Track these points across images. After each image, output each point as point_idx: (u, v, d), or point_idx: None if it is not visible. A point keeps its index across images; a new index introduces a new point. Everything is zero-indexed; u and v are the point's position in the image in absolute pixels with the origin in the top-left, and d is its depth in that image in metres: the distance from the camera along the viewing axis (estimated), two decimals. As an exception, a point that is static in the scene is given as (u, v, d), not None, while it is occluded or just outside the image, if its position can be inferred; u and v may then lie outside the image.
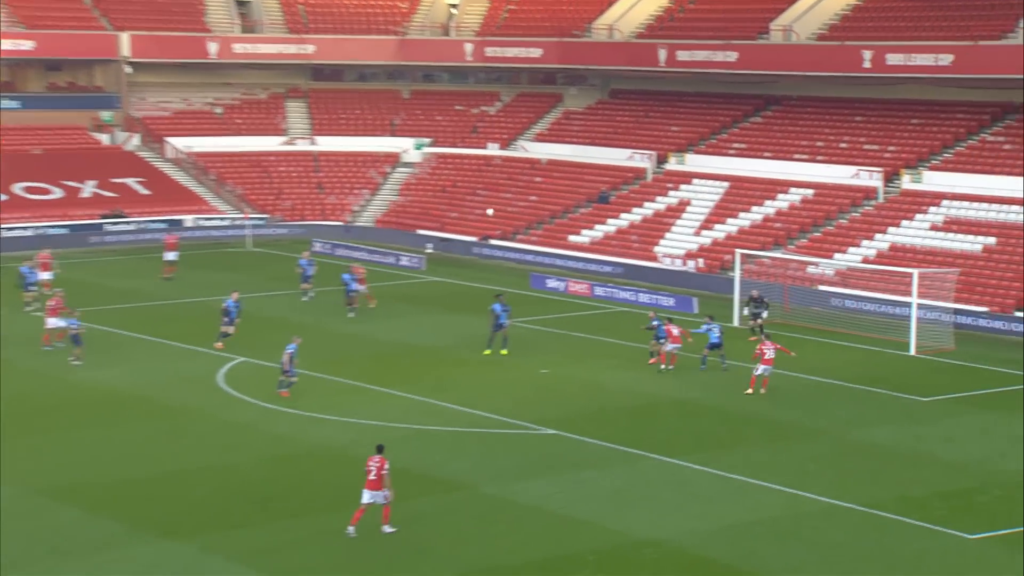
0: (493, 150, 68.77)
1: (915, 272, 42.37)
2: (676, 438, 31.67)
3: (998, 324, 43.72)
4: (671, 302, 48.31)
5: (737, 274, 47.27)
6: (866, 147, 56.73)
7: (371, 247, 60.39)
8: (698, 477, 28.69)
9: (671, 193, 59.20)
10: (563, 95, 71.53)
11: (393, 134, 71.72)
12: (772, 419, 33.33)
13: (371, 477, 24.85)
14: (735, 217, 55.84)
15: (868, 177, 54.55)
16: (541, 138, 68.81)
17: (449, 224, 63.24)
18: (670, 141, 63.23)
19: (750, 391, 35.17)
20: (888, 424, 32.80)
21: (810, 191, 55.47)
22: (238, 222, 63.65)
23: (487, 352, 39.51)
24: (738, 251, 48.07)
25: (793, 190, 55.92)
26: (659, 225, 57.63)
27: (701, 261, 53.61)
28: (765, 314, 42.79)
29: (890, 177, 54.35)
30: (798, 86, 61.34)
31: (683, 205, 58.15)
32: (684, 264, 53.82)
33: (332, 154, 70.52)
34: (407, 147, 70.57)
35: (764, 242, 53.36)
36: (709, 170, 59.36)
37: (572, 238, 58.82)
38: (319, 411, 33.58)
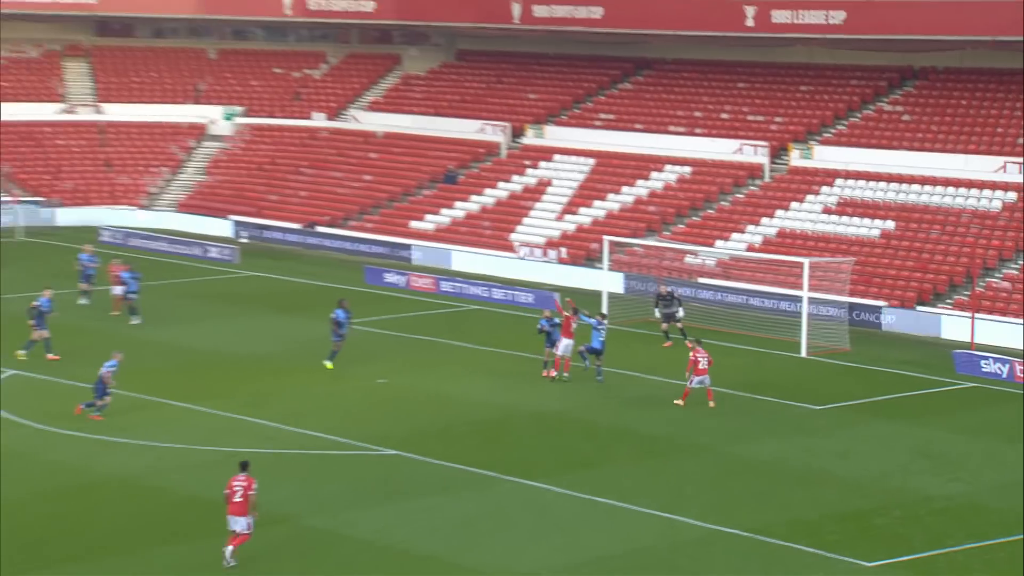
0: (319, 121, 68.30)
1: (806, 261, 43.41)
2: (535, 457, 31.83)
3: (898, 320, 45.09)
4: (530, 299, 48.63)
5: (605, 265, 47.80)
6: (750, 118, 57.97)
7: (172, 237, 59.37)
8: (560, 502, 28.88)
9: (529, 172, 59.60)
10: (401, 57, 71.43)
11: (197, 101, 70.63)
12: (645, 434, 33.77)
13: (236, 500, 24.98)
14: (602, 199, 56.49)
15: (752, 152, 55.75)
16: (376, 107, 68.57)
17: (267, 209, 62.61)
18: (527, 111, 63.63)
19: (681, 402, 35.64)
20: (776, 437, 33.50)
21: (687, 169, 56.45)
22: (6, 206, 61.86)
23: (329, 365, 39.05)
24: (606, 239, 48.56)
25: (668, 168, 56.84)
26: (515, 209, 57.96)
27: (564, 251, 54.09)
28: (681, 312, 42.96)
29: (777, 152, 55.64)
30: (673, 47, 62.32)
31: (543, 186, 58.59)
32: (545, 255, 54.23)
33: (122, 125, 69.10)
34: (215, 117, 69.58)
35: (636, 228, 54.09)
36: (572, 145, 59.92)
37: (414, 224, 58.77)
38: (109, 433, 32.87)
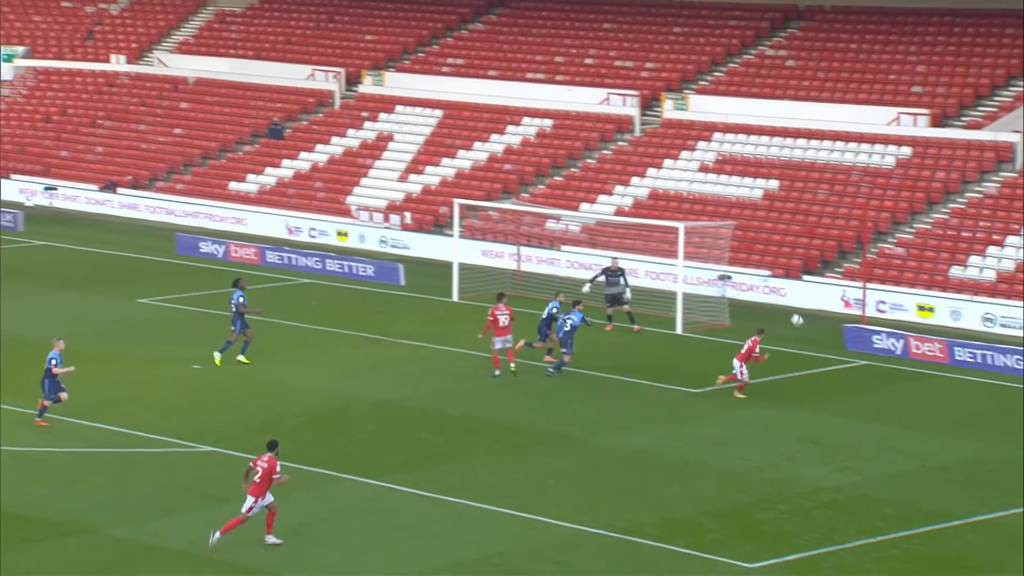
0: (118, 65, 67.25)
1: (681, 226, 44.11)
2: (377, 453, 31.94)
3: (783, 291, 46.10)
4: (369, 271, 48.64)
5: (455, 232, 47.99)
6: (618, 64, 58.54)
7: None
8: (404, 502, 29.04)
9: (367, 125, 59.48)
10: (216, -10, 70.63)
11: (-30, 41, 69.07)
12: (503, 424, 34.09)
13: (255, 479, 26.12)
14: (452, 157, 56.64)
15: (621, 103, 56.34)
16: (186, 49, 67.79)
17: (58, 168, 61.60)
18: (363, 55, 63.42)
19: (741, 396, 35.87)
20: (649, 425, 34.06)
21: (548, 122, 56.84)
22: None
23: (245, 360, 38.28)
24: (457, 201, 48.75)
25: (526, 121, 57.17)
26: (352, 168, 57.82)
27: (408, 215, 54.15)
28: (628, 294, 42.64)
29: (648, 103, 56.32)
30: (531, -18, 62.60)
31: (383, 141, 58.53)
32: (386, 220, 54.22)
33: None
34: (-8, 58, 68.18)
35: (490, 189, 54.36)
36: (416, 94, 59.89)
37: (234, 186, 58.32)
38: None
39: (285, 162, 58.90)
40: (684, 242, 43.45)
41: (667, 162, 53.18)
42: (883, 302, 44.37)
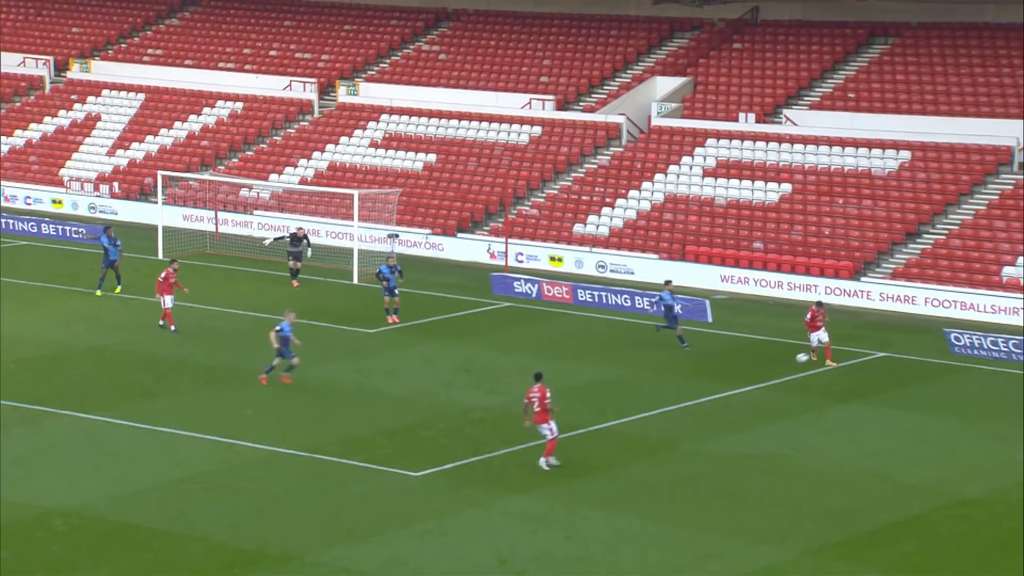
0: None
1: (356, 193, 43.88)
2: (91, 391, 30.82)
3: (441, 245, 46.39)
4: (81, 233, 46.81)
5: (159, 200, 46.65)
6: (298, 56, 57.72)
7: None
8: (117, 433, 28.11)
9: (77, 107, 57.06)
10: (-63, -14, 66.39)
11: None
12: (205, 364, 33.29)
13: (536, 409, 25.84)
14: (155, 135, 54.90)
15: (302, 89, 55.60)
16: (-89, 38, 63.53)
17: None
18: (71, 45, 60.81)
19: (831, 363, 33.89)
20: (331, 361, 33.84)
21: (239, 104, 55.64)
22: None
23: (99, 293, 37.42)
24: (160, 173, 47.42)
25: (220, 104, 55.82)
26: (64, 144, 55.42)
27: (116, 185, 52.26)
28: (309, 253, 41.24)
29: (325, 89, 55.75)
30: (220, -16, 61.14)
31: (92, 120, 56.26)
32: (97, 189, 52.19)
33: None
34: None
35: (190, 162, 52.91)
36: (121, 80, 57.81)
37: (-44, 160, 55.13)
38: None
39: (2, 139, 55.93)
40: (358, 206, 43.26)
41: (343, 139, 52.75)
42: (521, 254, 45.14)
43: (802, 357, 33.14)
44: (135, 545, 22.77)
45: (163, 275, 35.80)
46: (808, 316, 34.24)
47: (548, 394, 26.34)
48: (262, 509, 24.44)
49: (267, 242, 42.46)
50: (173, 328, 35.47)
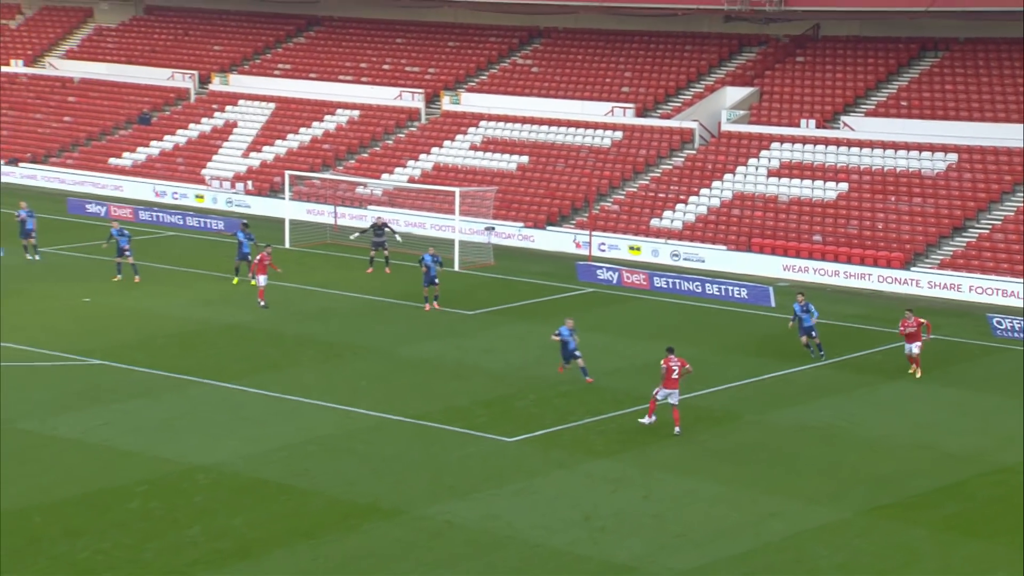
0: (17, 67, 64.10)
1: (457, 191, 44.04)
2: (228, 363, 31.31)
3: (533, 238, 46.43)
4: (220, 225, 47.50)
5: (287, 196, 47.22)
6: (408, 69, 58.00)
7: None
8: (251, 400, 28.54)
9: (217, 115, 57.86)
10: (94, 10, 67.70)
11: (-99, 48, 65.05)
12: (325, 340, 33.69)
13: (673, 376, 25.81)
14: (283, 139, 55.52)
15: (411, 99, 55.88)
16: (72, 55, 64.92)
17: (-26, 147, 58.68)
18: (213, 61, 61.64)
19: (918, 374, 30.76)
20: (434, 339, 34.03)
21: (356, 112, 56.07)
22: None
23: (236, 281, 38.03)
24: (288, 172, 47.97)
25: (340, 111, 56.29)
26: (206, 147, 56.26)
27: (250, 183, 52.98)
28: (398, 238, 40.79)
29: (431, 99, 55.97)
30: (340, 6, 61.57)
31: (229, 127, 57.04)
32: (233, 187, 52.98)
33: None
34: (-87, 64, 64.38)
35: (313, 163, 53.47)
36: (255, 91, 58.51)
37: (113, 161, 56.22)
38: None
39: (153, 143, 57.00)
40: (459, 202, 43.38)
41: (446, 143, 52.95)
42: (603, 244, 45.04)
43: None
44: (266, 497, 23.18)
45: (259, 257, 36.40)
46: (901, 327, 31.00)
47: (687, 365, 26.43)
48: (374, 468, 24.73)
49: (354, 236, 42.46)
50: (263, 303, 35.77)
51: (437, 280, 36.15)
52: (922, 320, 31.03)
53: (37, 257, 40.80)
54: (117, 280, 38.41)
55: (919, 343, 30.79)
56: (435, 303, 36.42)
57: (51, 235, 43.34)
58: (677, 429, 26.36)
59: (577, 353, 29.13)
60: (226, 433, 26.40)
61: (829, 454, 25.83)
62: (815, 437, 26.81)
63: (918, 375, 30.85)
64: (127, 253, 38.80)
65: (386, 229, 41.41)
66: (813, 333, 31.92)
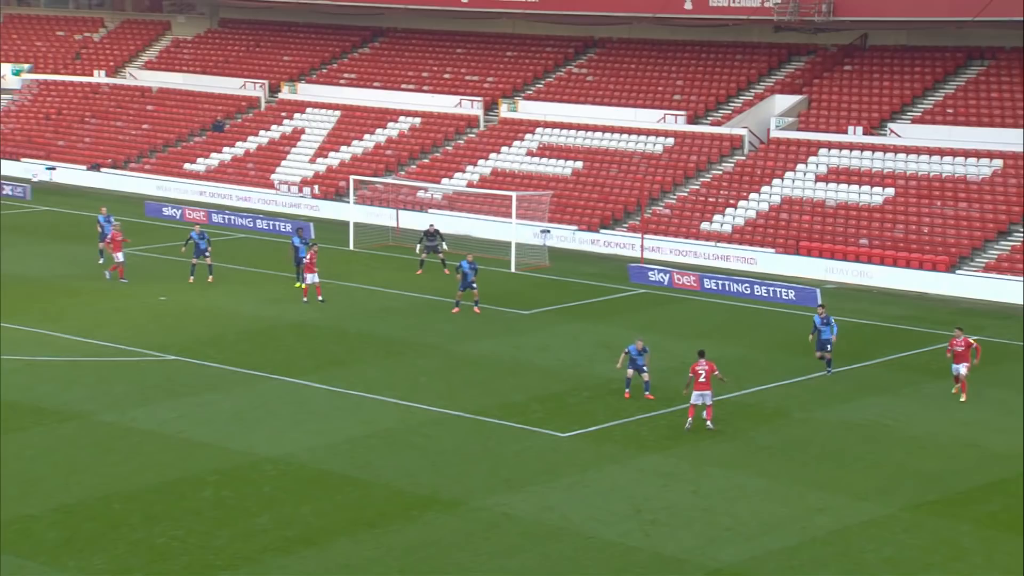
0: (100, 77, 65.05)
1: (514, 195, 44.04)
2: (295, 359, 31.50)
3: (586, 240, 46.34)
4: (287, 227, 47.82)
5: (351, 200, 47.49)
6: (467, 78, 58.11)
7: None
8: (316, 395, 28.71)
9: (285, 122, 58.32)
10: (171, 23, 68.54)
11: (-12, 59, 66.35)
12: (386, 337, 33.82)
13: (700, 380, 25.94)
14: (348, 145, 55.83)
15: (470, 106, 55.98)
16: (150, 66, 65.75)
17: (56, 152, 59.47)
18: (282, 71, 62.14)
19: (963, 397, 28.40)
20: (492, 337, 34.04)
21: (418, 119, 56.26)
22: None
23: (298, 284, 37.75)
24: (352, 177, 48.22)
25: (402, 119, 56.52)
26: (275, 153, 56.72)
27: (316, 188, 53.34)
28: (444, 246, 40.36)
29: (489, 106, 56.03)
30: (403, 18, 61.82)
31: (298, 133, 57.46)
32: (300, 191, 53.37)
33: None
34: (4, 72, 65.48)
35: (376, 168, 53.73)
36: (321, 99, 58.91)
37: (188, 166, 56.84)
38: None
39: (225, 149, 57.56)
40: (516, 206, 43.38)
41: (503, 149, 52.99)
42: (655, 247, 44.82)
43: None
44: (330, 488, 23.30)
45: (308, 256, 36.55)
46: (949, 346, 28.86)
47: (716, 369, 26.28)
48: (434, 461, 24.78)
49: (419, 249, 42.06)
50: (316, 299, 36.15)
51: (475, 284, 36.01)
52: (972, 341, 28.84)
53: (101, 261, 41.05)
54: (191, 282, 38.78)
55: (967, 364, 28.48)
56: (475, 306, 36.06)
57: (129, 237, 43.72)
58: (709, 423, 26.22)
59: (645, 368, 28.64)
60: (293, 426, 26.58)
61: (875, 451, 25.51)
62: (861, 434, 26.50)
63: (962, 398, 28.53)
64: (206, 254, 39.06)
65: (438, 236, 41.50)
66: (829, 347, 30.22)
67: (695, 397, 26.24)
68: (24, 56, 66.57)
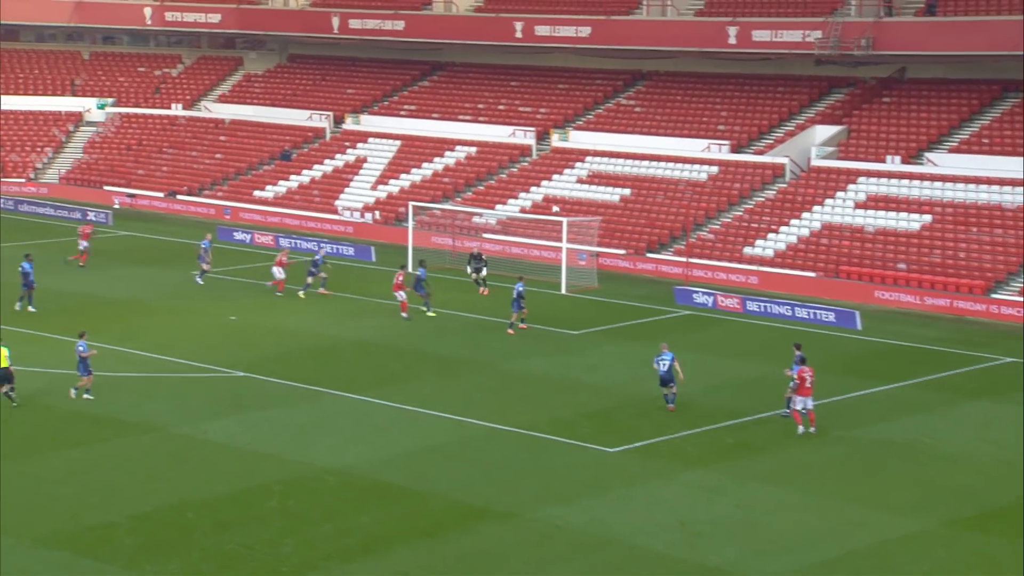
0: (177, 110, 66.11)
1: (564, 220, 44.05)
2: (356, 375, 31.69)
3: (634, 263, 46.23)
4: (351, 251, 48.20)
5: (411, 225, 47.73)
6: (521, 109, 58.31)
7: (57, 203, 56.86)
8: (375, 410, 28.85)
9: (348, 151, 58.85)
10: (243, 59, 69.53)
11: (75, 94, 67.55)
12: (442, 355, 33.92)
13: (807, 385, 25.84)
14: (407, 173, 56.19)
15: (523, 136, 56.15)
16: (224, 99, 66.69)
17: (136, 181, 60.46)
18: (346, 103, 62.76)
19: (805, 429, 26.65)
20: (542, 356, 34.03)
21: (473, 149, 56.52)
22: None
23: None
24: (411, 203, 48.47)
25: (459, 148, 56.81)
26: (338, 181, 57.21)
27: (378, 213, 53.70)
28: (484, 271, 41.34)
29: (542, 136, 56.16)
30: (460, 53, 62.22)
31: (360, 162, 57.94)
32: (362, 216, 53.76)
33: (11, 113, 65.68)
34: (90, 107, 66.69)
35: (434, 195, 54.00)
36: (383, 130, 59.37)
37: (257, 193, 57.50)
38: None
39: (292, 177, 58.17)
40: (567, 231, 43.39)
41: (555, 176, 53.06)
42: (700, 271, 44.58)
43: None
44: (389, 499, 23.39)
45: (397, 278, 37.13)
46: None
47: (813, 374, 26.09)
48: (487, 474, 24.80)
49: (470, 271, 42.11)
50: (405, 315, 36.23)
51: (524, 305, 36.10)
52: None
53: (200, 281, 41.82)
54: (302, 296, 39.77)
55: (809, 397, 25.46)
56: (522, 324, 36.09)
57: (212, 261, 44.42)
58: (812, 428, 26.11)
59: (672, 382, 28.41)
60: (353, 439, 26.72)
61: (912, 468, 25.17)
62: (899, 452, 26.15)
63: (812, 429, 26.00)
64: (320, 274, 40.44)
65: (483, 258, 41.68)
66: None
67: (798, 402, 26.10)
68: (108, 91, 67.89)
